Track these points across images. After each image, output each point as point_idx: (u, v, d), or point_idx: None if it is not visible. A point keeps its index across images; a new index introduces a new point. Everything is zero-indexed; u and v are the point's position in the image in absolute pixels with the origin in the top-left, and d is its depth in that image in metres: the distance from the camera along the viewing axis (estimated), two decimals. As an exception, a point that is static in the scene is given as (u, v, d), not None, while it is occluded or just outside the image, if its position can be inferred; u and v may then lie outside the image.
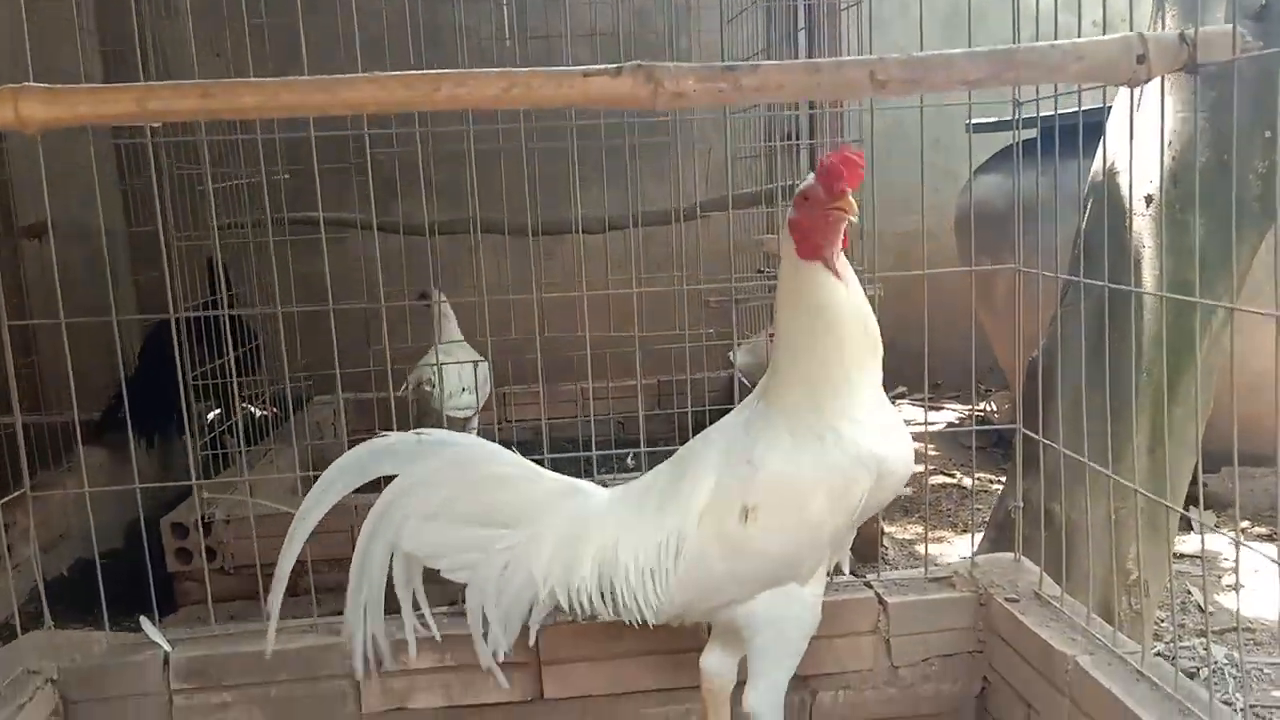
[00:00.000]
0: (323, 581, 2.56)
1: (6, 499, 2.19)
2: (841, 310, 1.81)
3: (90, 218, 2.69)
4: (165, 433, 4.14)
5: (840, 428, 1.81)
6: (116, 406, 4.03)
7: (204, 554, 3.01)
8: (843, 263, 1.83)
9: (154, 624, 2.27)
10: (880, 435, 1.83)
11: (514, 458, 2.02)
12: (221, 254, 3.41)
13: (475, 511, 1.96)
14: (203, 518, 3.21)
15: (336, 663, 2.23)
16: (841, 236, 1.80)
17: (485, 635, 1.99)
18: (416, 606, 2.04)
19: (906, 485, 1.99)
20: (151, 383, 4.33)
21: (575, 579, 1.93)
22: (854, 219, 1.75)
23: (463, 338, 4.04)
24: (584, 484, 2.05)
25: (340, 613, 2.25)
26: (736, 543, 1.84)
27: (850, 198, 1.73)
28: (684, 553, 1.87)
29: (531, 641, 2.03)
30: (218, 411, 4.15)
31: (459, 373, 3.95)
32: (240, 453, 3.56)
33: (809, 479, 1.81)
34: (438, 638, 2.10)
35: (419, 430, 2.05)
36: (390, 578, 2.01)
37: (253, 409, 4.52)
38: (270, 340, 4.06)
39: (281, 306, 2.66)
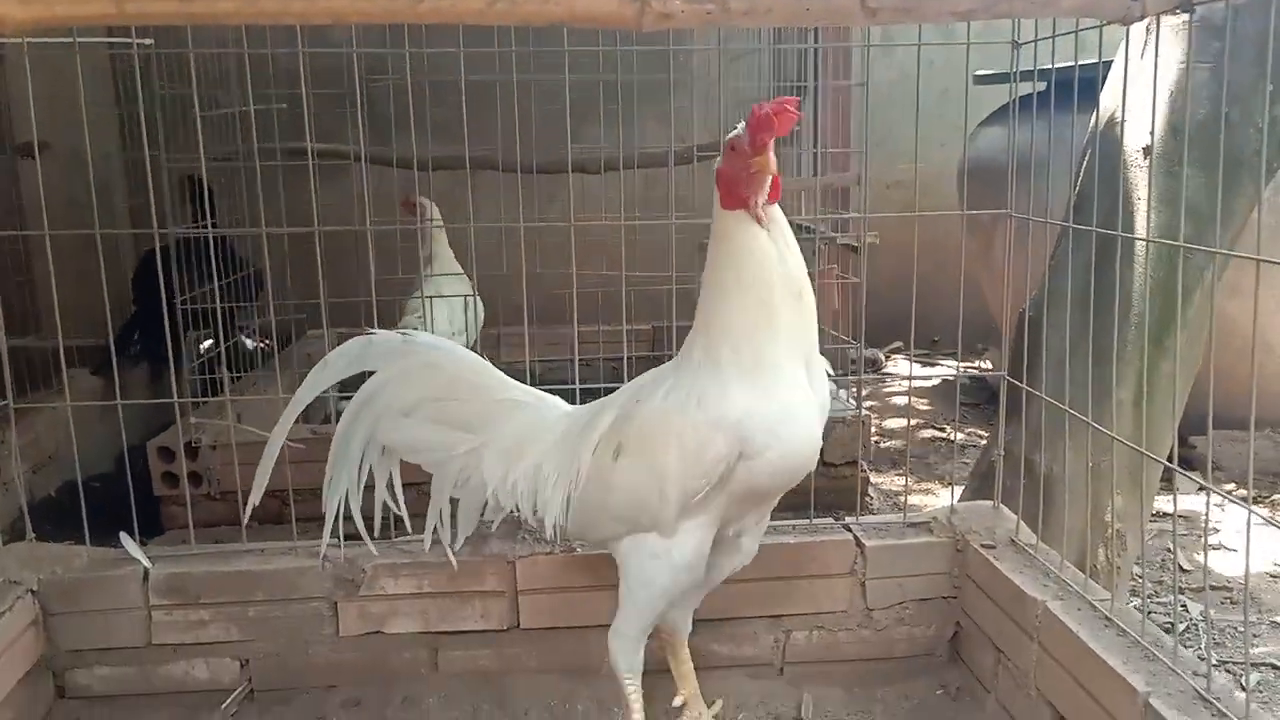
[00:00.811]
0: (303, 511, 2.57)
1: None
2: (760, 266, 1.71)
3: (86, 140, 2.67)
4: (162, 362, 4.14)
5: (709, 390, 1.74)
6: (127, 336, 4.04)
7: (187, 478, 3.01)
8: (775, 218, 1.73)
9: (134, 540, 2.28)
10: (757, 409, 1.71)
11: (484, 366, 2.06)
12: (213, 180, 3.39)
13: (443, 414, 2.03)
14: (190, 442, 3.22)
15: (315, 585, 2.26)
16: (767, 189, 1.69)
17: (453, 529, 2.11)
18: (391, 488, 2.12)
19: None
20: (147, 311, 4.35)
21: (509, 482, 1.99)
22: (772, 174, 1.66)
23: (459, 269, 3.98)
24: (548, 397, 2.07)
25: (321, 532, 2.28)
26: (604, 477, 1.86)
27: (771, 155, 1.64)
28: (579, 479, 1.91)
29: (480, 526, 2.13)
30: (210, 342, 4.14)
31: (449, 314, 3.92)
32: (229, 379, 3.57)
33: (666, 431, 1.77)
34: (407, 523, 2.17)
35: (403, 330, 2.12)
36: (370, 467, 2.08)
37: (245, 340, 4.52)
38: (261, 269, 4.03)
39: (268, 228, 2.63)
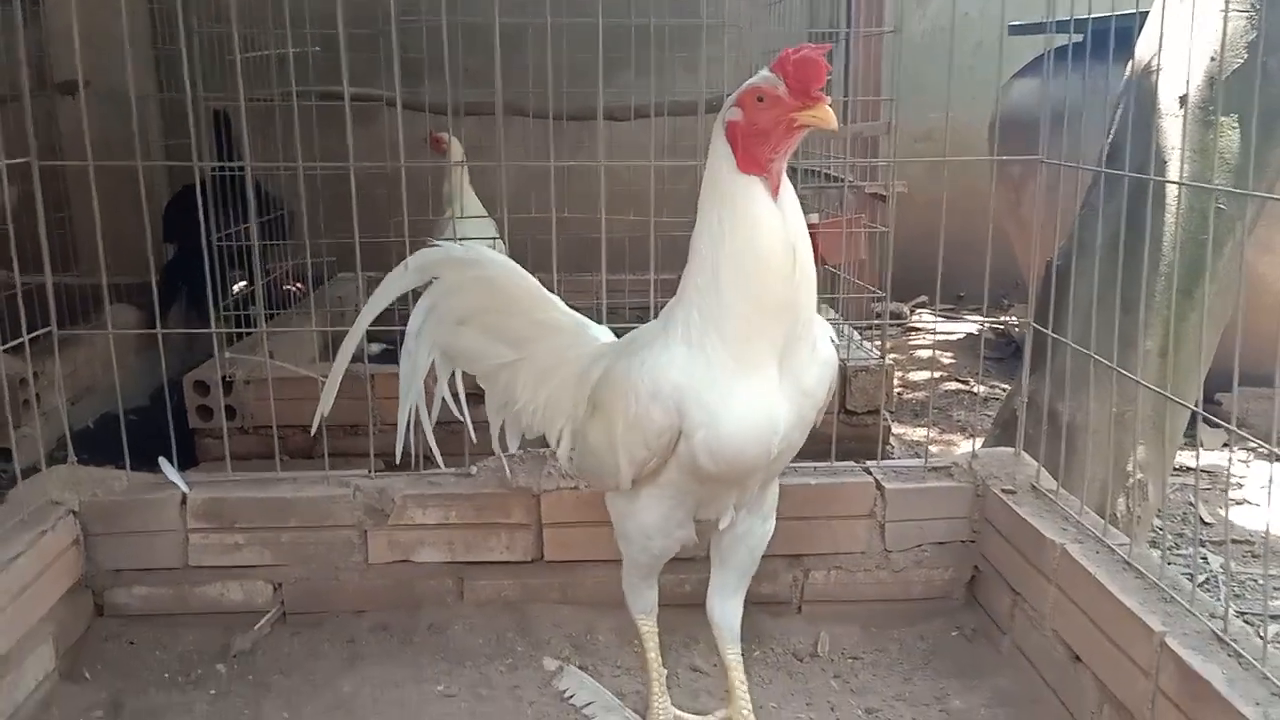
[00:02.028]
0: (334, 446, 2.62)
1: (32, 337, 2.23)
2: (761, 244, 1.55)
3: (124, 79, 2.70)
4: (199, 298, 4.21)
5: (660, 358, 1.64)
6: (172, 279, 4.11)
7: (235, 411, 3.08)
8: (785, 183, 1.58)
9: (172, 465, 2.34)
10: (698, 388, 1.60)
11: (535, 285, 2.01)
12: (245, 120, 3.41)
13: (493, 326, 2.02)
14: (225, 377, 3.28)
15: (346, 513, 2.32)
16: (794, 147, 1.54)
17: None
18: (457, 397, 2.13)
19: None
20: (184, 248, 4.41)
21: (532, 410, 2.01)
22: (835, 129, 1.49)
23: (484, 212, 3.99)
24: (590, 325, 2.02)
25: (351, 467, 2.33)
26: (583, 429, 1.86)
27: (827, 104, 1.46)
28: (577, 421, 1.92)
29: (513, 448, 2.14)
30: (244, 283, 4.19)
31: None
32: (262, 315, 3.63)
33: (618, 394, 1.71)
34: (466, 419, 2.15)
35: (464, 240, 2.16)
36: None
37: (288, 288, 4.57)
38: (295, 210, 4.06)
39: (303, 164, 2.66)
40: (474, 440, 2.23)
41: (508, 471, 2.28)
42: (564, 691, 2.08)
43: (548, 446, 2.07)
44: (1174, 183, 2.35)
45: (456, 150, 4.20)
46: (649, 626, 1.94)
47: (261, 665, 2.21)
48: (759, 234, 1.55)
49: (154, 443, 2.42)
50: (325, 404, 2.05)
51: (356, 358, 3.48)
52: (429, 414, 2.10)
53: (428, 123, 4.03)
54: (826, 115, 1.47)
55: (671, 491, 1.76)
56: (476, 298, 2.02)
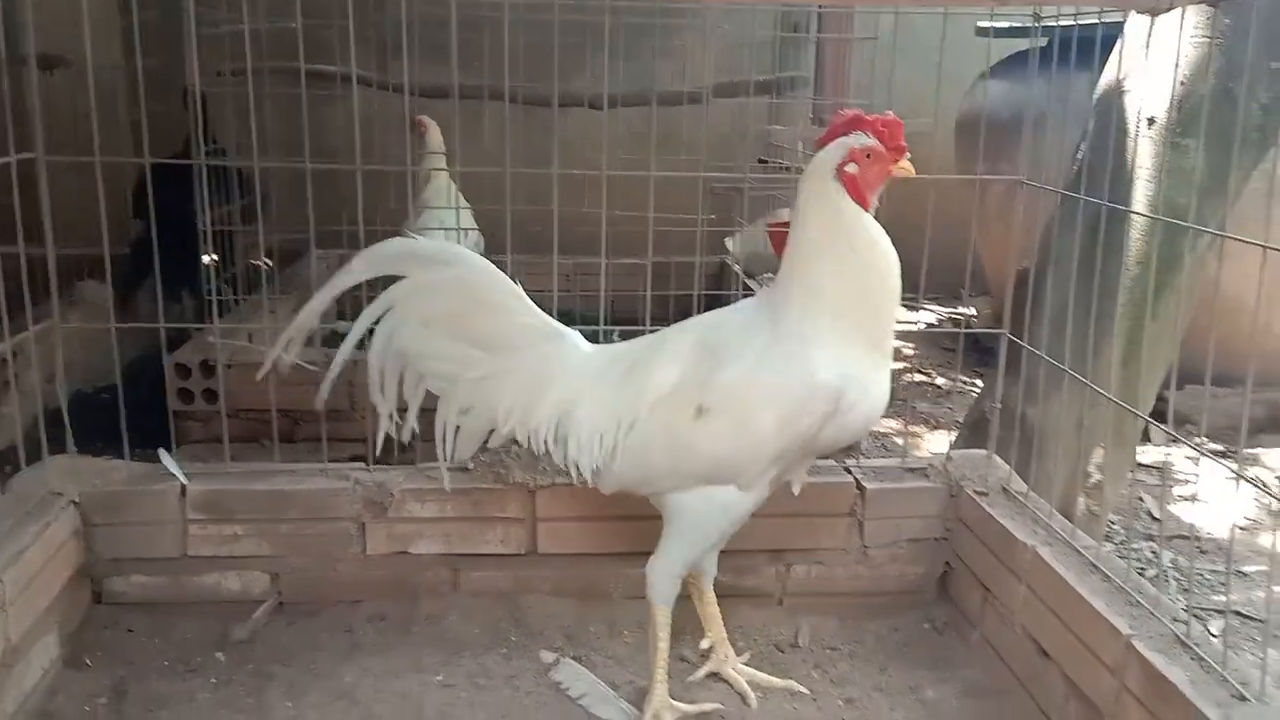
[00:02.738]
0: (314, 431, 2.65)
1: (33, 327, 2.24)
2: (889, 264, 1.90)
3: (95, 54, 2.66)
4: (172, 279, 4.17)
5: (813, 355, 1.85)
6: (140, 253, 4.05)
7: (215, 395, 3.10)
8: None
9: (172, 456, 2.38)
10: (853, 373, 1.86)
11: (516, 290, 2.06)
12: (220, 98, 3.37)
13: (464, 330, 2.02)
14: (206, 360, 3.29)
15: (345, 506, 2.37)
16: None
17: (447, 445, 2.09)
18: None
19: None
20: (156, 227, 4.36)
21: (532, 421, 2.02)
22: (913, 175, 1.89)
23: (457, 202, 3.99)
24: (570, 333, 2.09)
25: (350, 458, 2.37)
26: (682, 438, 1.90)
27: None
28: (634, 431, 1.94)
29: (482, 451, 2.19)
30: (214, 258, 4.18)
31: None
32: (234, 300, 3.63)
33: (763, 395, 1.86)
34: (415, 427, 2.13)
35: (446, 243, 2.14)
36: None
37: (251, 261, 4.56)
38: (266, 193, 4.05)
39: (259, 160, 2.66)
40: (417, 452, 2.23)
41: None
42: (560, 683, 2.16)
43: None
44: (1141, 215, 2.46)
45: (435, 135, 4.20)
46: (668, 618, 2.02)
47: (260, 654, 2.26)
48: (881, 249, 1.90)
49: (131, 423, 2.40)
50: (268, 364, 2.03)
51: (334, 344, 3.51)
52: (411, 409, 2.07)
53: (409, 106, 4.03)
54: (909, 166, 1.90)
55: (776, 471, 1.95)
56: (449, 300, 2.01)
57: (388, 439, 2.07)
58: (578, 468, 2.01)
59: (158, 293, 2.48)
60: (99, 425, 2.49)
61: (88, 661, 2.20)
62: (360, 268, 1.99)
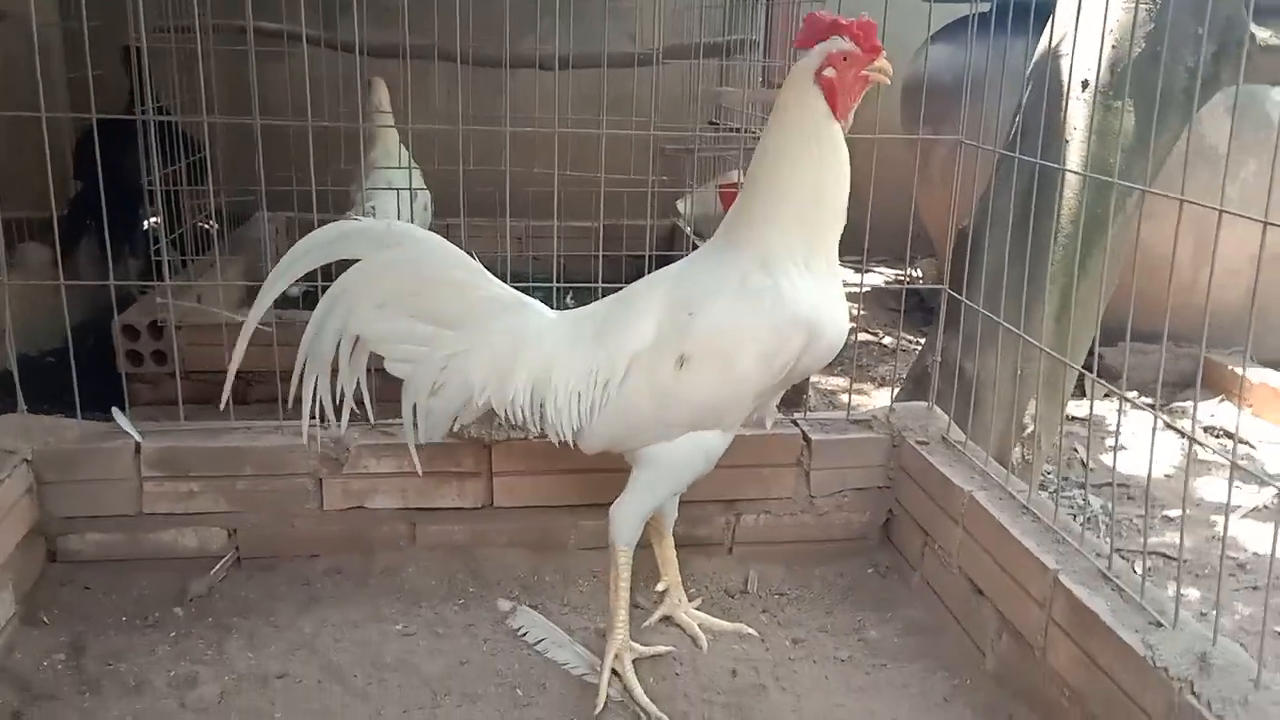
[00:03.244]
0: (269, 392, 2.65)
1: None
2: (843, 172, 1.92)
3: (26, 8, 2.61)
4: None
5: (783, 288, 1.89)
6: (78, 215, 4.00)
7: (164, 356, 3.09)
8: None
9: (124, 414, 2.38)
10: (820, 301, 1.91)
11: (472, 264, 2.09)
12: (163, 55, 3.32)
13: (425, 308, 2.05)
14: (155, 322, 3.28)
15: (301, 462, 2.40)
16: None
17: (416, 425, 2.13)
18: (359, 393, 2.15)
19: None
20: (92, 187, 4.30)
21: (509, 391, 2.04)
22: (889, 81, 1.89)
23: (406, 163, 3.98)
24: (532, 301, 2.13)
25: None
26: (668, 388, 1.94)
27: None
28: (613, 388, 1.99)
29: (452, 430, 2.20)
30: (156, 220, 4.14)
31: (396, 207, 3.92)
32: (179, 260, 3.60)
33: (744, 334, 1.90)
34: (370, 419, 2.25)
35: (388, 221, 2.12)
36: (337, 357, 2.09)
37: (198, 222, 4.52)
38: (210, 153, 4.01)
39: (208, 116, 2.66)
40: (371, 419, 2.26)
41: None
42: (518, 629, 2.23)
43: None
44: (1075, 173, 2.56)
45: (382, 93, 4.18)
46: (629, 561, 2.06)
47: (219, 608, 2.29)
48: (845, 167, 1.93)
49: (80, 386, 2.38)
50: (228, 387, 2.07)
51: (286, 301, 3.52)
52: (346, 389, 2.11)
53: (359, 66, 4.01)
54: (886, 64, 1.88)
55: (751, 406, 2.01)
56: (405, 280, 2.02)
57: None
58: (558, 431, 2.04)
59: (107, 253, 2.43)
60: (46, 389, 2.48)
61: (44, 619, 2.22)
62: (303, 261, 2.00)
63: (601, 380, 1.99)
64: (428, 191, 4.10)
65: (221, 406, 2.14)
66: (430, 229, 2.97)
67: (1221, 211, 1.62)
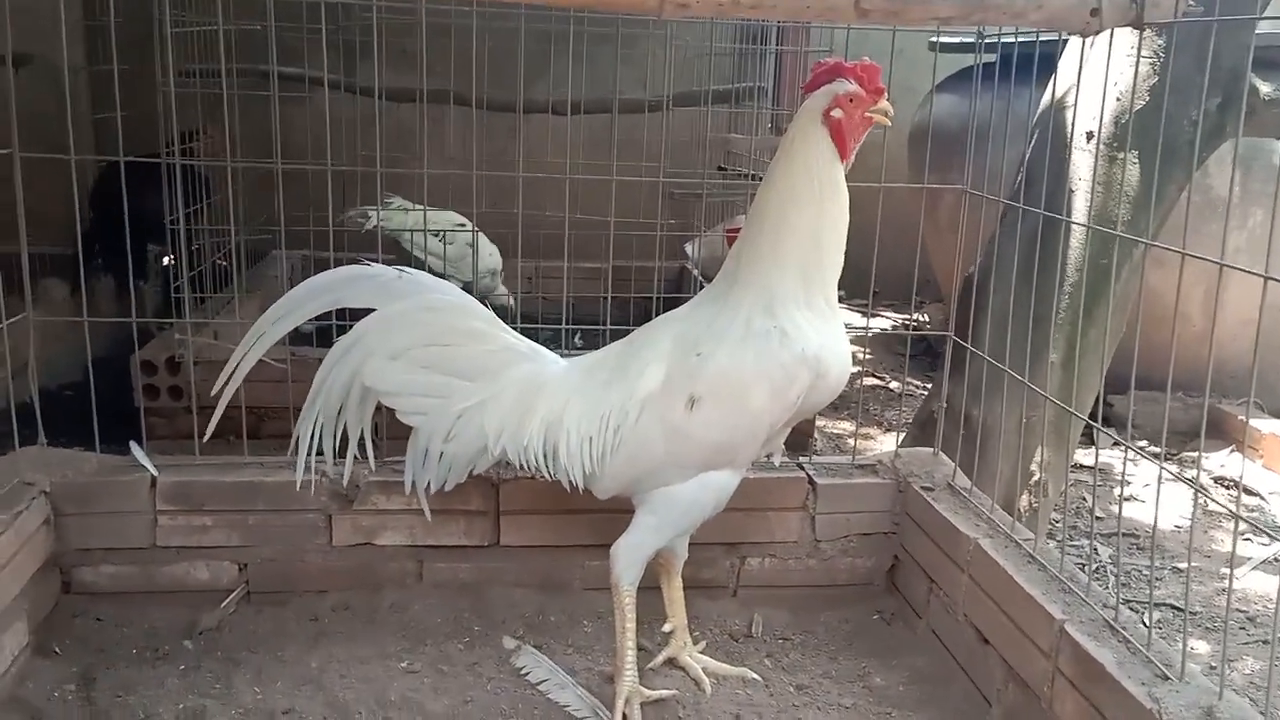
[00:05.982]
0: (281, 428, 2.70)
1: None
2: (844, 212, 1.99)
3: (58, 54, 2.68)
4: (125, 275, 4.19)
5: (787, 328, 1.95)
6: (91, 247, 4.07)
7: (180, 391, 3.13)
8: None
9: (142, 448, 2.42)
10: (824, 339, 1.98)
11: (486, 313, 2.15)
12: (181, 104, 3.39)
13: (440, 360, 2.10)
14: (172, 358, 3.33)
15: (311, 498, 2.42)
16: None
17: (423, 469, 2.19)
18: (363, 441, 2.22)
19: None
20: (107, 225, 4.37)
21: (524, 438, 2.09)
22: (889, 124, 1.95)
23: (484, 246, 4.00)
24: (542, 349, 2.19)
25: (318, 453, 2.42)
26: (680, 429, 1.98)
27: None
28: (626, 432, 2.02)
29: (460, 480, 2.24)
30: (171, 258, 4.19)
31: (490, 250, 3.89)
32: (197, 298, 3.65)
33: (752, 373, 1.96)
34: (371, 467, 2.32)
35: (400, 267, 2.15)
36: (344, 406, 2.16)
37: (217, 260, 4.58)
38: (223, 194, 4.07)
39: (231, 160, 2.72)
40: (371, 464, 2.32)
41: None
42: (521, 669, 2.24)
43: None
44: (1080, 224, 2.59)
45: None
46: (633, 599, 2.07)
47: (229, 642, 2.31)
48: (845, 209, 2.00)
49: (92, 418, 2.44)
50: (214, 420, 2.13)
51: (300, 342, 3.56)
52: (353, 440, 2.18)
53: (378, 110, 4.08)
54: (887, 105, 1.96)
55: (762, 441, 2.05)
56: (418, 331, 2.07)
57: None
58: (569, 475, 2.08)
59: (129, 288, 2.49)
60: (65, 424, 2.51)
61: (57, 649, 2.24)
62: (308, 304, 2.06)
63: (614, 424, 2.02)
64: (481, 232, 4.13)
65: (205, 438, 2.20)
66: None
67: (1222, 265, 1.64)
